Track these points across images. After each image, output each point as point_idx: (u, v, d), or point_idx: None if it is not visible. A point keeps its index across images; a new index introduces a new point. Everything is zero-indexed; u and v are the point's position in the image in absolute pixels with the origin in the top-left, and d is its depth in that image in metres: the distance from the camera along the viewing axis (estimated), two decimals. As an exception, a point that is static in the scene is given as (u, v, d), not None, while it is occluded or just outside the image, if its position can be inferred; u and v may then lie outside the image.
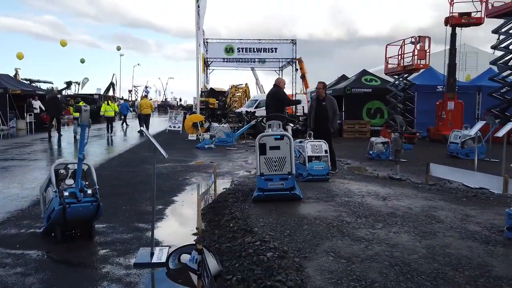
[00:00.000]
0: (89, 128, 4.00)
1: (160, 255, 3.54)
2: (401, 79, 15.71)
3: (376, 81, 18.57)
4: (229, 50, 22.40)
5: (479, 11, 13.85)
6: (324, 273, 2.78)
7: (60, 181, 4.07)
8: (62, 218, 3.84)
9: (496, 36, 15.45)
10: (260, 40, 22.35)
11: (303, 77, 41.46)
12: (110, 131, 19.21)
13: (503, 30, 15.15)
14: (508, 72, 15.71)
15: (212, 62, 24.32)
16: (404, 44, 14.74)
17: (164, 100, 78.62)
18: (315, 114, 8.02)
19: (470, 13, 14.02)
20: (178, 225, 4.91)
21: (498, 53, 15.77)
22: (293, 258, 3.02)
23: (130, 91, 73.95)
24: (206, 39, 22.60)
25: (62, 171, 4.15)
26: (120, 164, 9.55)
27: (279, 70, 26.75)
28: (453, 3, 13.97)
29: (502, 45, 15.41)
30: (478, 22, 13.79)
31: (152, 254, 3.54)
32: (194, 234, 4.22)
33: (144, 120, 19.98)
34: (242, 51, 22.35)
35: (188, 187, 7.03)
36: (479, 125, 7.15)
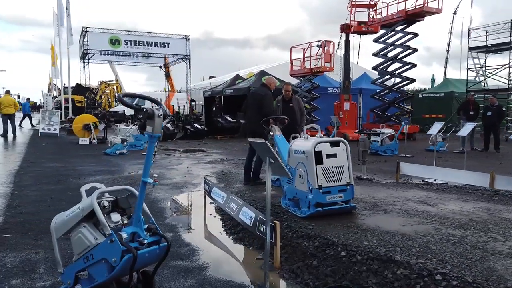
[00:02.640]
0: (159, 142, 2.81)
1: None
2: (306, 80, 16.38)
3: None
4: (114, 41, 19.92)
5: (374, 22, 15.31)
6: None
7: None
8: (127, 271, 2.60)
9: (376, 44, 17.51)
10: (150, 33, 20.50)
11: (167, 75, 40.34)
12: None
13: (381, 40, 17.23)
14: (388, 76, 17.97)
15: (93, 54, 21.28)
16: (311, 47, 15.37)
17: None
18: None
19: (366, 22, 15.42)
20: (238, 263, 3.89)
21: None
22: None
23: None
24: (86, 27, 19.68)
25: (106, 203, 2.82)
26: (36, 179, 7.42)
27: (164, 67, 25.13)
28: (354, 13, 15.15)
29: (382, 53, 17.54)
30: (375, 30, 15.23)
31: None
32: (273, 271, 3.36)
33: (6, 121, 16.31)
34: (130, 44, 20.17)
35: (181, 205, 5.81)
36: (439, 125, 7.79)
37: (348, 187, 4.18)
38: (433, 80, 36.31)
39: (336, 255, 3.15)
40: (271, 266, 3.51)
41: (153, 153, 2.83)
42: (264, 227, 3.56)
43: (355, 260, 2.99)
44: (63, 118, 22.26)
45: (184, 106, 29.13)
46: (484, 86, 18.68)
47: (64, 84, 26.46)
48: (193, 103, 31.31)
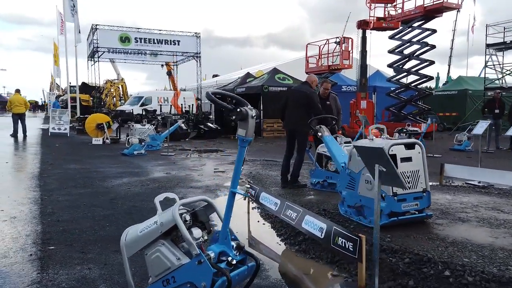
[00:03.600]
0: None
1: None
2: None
3: (289, 80, 18.63)
4: (124, 39, 19.52)
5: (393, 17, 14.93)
6: None
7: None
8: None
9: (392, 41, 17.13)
10: (160, 30, 20.07)
11: (169, 73, 40.00)
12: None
13: (397, 36, 16.87)
14: (404, 74, 17.61)
15: (103, 52, 20.85)
16: (329, 44, 15.00)
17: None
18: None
19: (385, 18, 15.04)
20: (315, 281, 3.54)
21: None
22: None
23: None
24: (96, 25, 19.26)
25: (187, 217, 2.47)
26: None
27: (173, 65, 24.70)
28: (373, 8, 14.77)
29: (397, 50, 17.17)
30: (395, 26, 14.85)
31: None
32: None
33: (17, 121, 15.94)
34: (141, 42, 19.76)
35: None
36: (484, 124, 7.43)
37: (424, 194, 3.82)
38: (438, 78, 35.95)
39: (438, 274, 2.79)
40: (353, 284, 3.16)
41: (243, 159, 2.49)
42: (344, 240, 3.22)
43: (466, 281, 2.63)
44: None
45: (192, 105, 28.79)
46: (502, 83, 18.32)
47: (70, 83, 26.11)
48: (199, 102, 30.97)
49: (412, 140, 3.99)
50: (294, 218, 4.14)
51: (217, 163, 9.72)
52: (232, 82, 21.47)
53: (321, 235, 3.60)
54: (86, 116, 20.53)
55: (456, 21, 33.70)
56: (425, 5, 15.32)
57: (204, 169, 8.87)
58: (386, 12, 16.08)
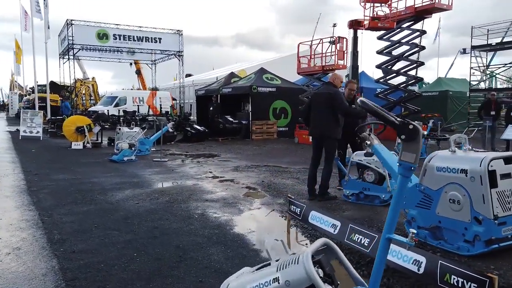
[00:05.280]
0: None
1: None
2: (315, 79, 15.56)
3: (277, 80, 18.09)
4: (102, 36, 18.23)
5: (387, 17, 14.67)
6: None
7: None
8: None
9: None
10: (141, 27, 18.93)
11: (138, 72, 38.66)
12: None
13: (385, 37, 16.68)
14: (393, 75, 17.46)
15: (79, 50, 19.42)
16: (322, 43, 14.55)
17: None
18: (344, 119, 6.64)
19: (380, 17, 14.75)
20: None
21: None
22: None
23: None
24: (71, 20, 17.90)
25: (320, 271, 1.81)
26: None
27: (151, 64, 23.55)
28: (368, 8, 14.44)
29: (386, 51, 17.00)
30: (391, 26, 14.59)
31: None
32: None
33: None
34: (120, 39, 18.55)
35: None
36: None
37: (525, 215, 3.33)
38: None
39: None
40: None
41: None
42: (461, 280, 2.65)
43: None
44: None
45: (172, 105, 27.73)
46: (487, 85, 18.57)
47: (37, 82, 24.41)
48: (174, 102, 29.94)
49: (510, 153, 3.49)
50: (366, 245, 3.55)
51: (220, 170, 9.00)
52: (216, 82, 20.67)
53: (418, 270, 3.02)
54: (58, 117, 19.18)
55: (440, 21, 34.59)
56: (416, 6, 15.17)
57: (208, 177, 8.13)
58: (376, 12, 15.80)
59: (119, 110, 24.13)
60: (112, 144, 14.40)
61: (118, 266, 3.56)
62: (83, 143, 13.18)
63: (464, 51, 49.09)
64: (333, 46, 14.36)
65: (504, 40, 17.29)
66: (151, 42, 18.95)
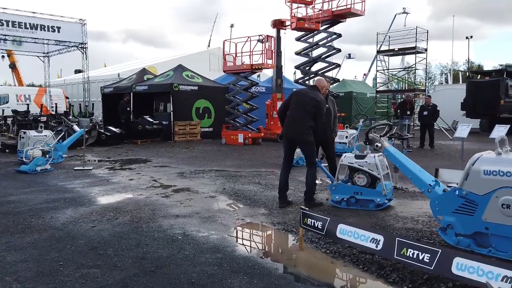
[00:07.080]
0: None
1: None
2: (242, 78, 15.07)
3: (198, 78, 17.14)
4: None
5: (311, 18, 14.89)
6: None
7: None
8: None
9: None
10: (35, 13, 16.08)
11: (13, 66, 34.24)
12: None
13: (303, 38, 17.09)
14: (311, 75, 17.94)
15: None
16: (250, 41, 14.12)
17: None
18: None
19: (305, 18, 14.88)
20: None
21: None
22: None
23: None
24: None
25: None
26: None
27: (43, 57, 20.47)
28: (294, 8, 14.46)
29: (304, 52, 17.41)
30: (317, 28, 14.81)
31: None
32: None
33: None
34: (8, 25, 15.50)
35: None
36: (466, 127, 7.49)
37: None
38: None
39: None
40: None
41: None
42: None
43: None
44: None
45: (70, 104, 24.78)
46: (389, 86, 20.28)
47: None
48: (68, 100, 26.83)
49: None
50: (427, 261, 3.15)
51: (165, 178, 7.95)
52: (126, 78, 18.82)
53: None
54: None
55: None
56: (333, 9, 15.72)
57: (157, 187, 7.07)
58: (299, 13, 15.94)
59: (2, 110, 20.66)
60: (7, 151, 12.10)
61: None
62: (-30, 150, 10.68)
63: (349, 56, 53.63)
64: (262, 44, 14.05)
65: (403, 47, 19.02)
66: (48, 31, 16.24)
